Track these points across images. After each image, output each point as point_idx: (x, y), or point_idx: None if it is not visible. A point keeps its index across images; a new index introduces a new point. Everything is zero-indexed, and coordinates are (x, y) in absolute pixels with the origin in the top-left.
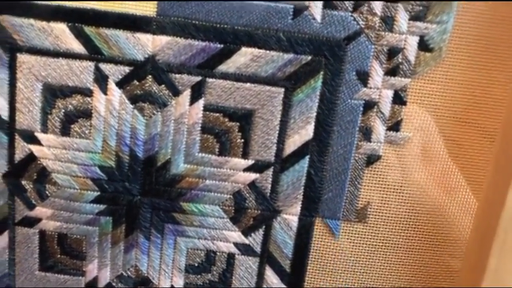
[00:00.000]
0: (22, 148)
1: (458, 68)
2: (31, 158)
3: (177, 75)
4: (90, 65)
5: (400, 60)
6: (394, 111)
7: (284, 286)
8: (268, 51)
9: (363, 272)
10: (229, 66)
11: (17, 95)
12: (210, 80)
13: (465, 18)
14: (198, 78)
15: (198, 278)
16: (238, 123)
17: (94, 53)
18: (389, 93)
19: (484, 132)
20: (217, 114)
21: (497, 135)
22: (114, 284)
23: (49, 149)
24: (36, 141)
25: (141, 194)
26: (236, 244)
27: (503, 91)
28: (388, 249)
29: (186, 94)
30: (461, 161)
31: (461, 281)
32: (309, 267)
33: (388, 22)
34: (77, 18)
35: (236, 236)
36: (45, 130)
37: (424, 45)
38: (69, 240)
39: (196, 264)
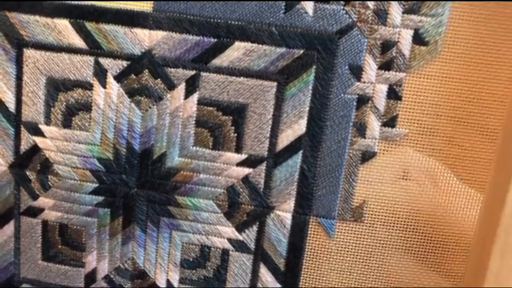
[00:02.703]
0: (27, 139)
1: (456, 62)
2: (35, 149)
3: (173, 69)
4: (90, 59)
5: (394, 54)
6: (389, 107)
7: (279, 285)
8: (260, 46)
9: (360, 273)
10: (222, 60)
11: (23, 89)
12: (204, 74)
13: (462, 10)
14: (193, 72)
15: (193, 273)
16: (231, 117)
17: (94, 48)
18: (383, 88)
19: (484, 130)
20: (211, 108)
21: (498, 133)
22: (112, 276)
23: (52, 140)
24: (40, 133)
25: (137, 187)
26: (230, 240)
27: (505, 87)
28: (386, 250)
29: (181, 88)
30: (461, 160)
31: (462, 283)
32: (304, 267)
33: (381, 15)
34: (78, 14)
35: (230, 231)
36: (48, 122)
37: (418, 39)
38: (70, 231)
39: (191, 259)
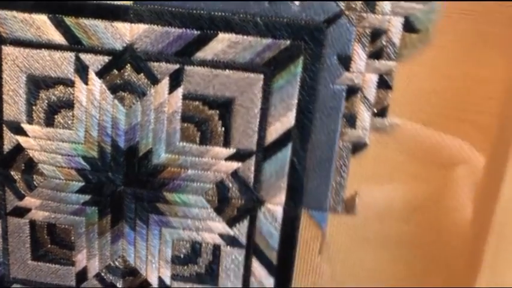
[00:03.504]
0: (10, 139)
1: (448, 50)
2: (19, 148)
3: (155, 64)
4: (71, 55)
5: (384, 42)
6: (380, 97)
7: (272, 279)
8: (245, 37)
9: (353, 265)
10: (206, 53)
11: (3, 87)
12: (188, 67)
13: None
14: (176, 66)
15: (185, 270)
16: (218, 111)
17: (74, 44)
18: (373, 78)
19: (478, 117)
20: (197, 103)
21: (492, 120)
22: (103, 274)
23: (35, 139)
24: (22, 132)
25: (124, 184)
26: (221, 235)
27: (498, 74)
28: (380, 242)
29: (165, 82)
30: (453, 150)
31: (457, 274)
32: (296, 260)
33: (370, 3)
34: (57, 9)
35: (221, 226)
36: (30, 121)
37: (409, 26)
38: (58, 230)
39: (182, 256)
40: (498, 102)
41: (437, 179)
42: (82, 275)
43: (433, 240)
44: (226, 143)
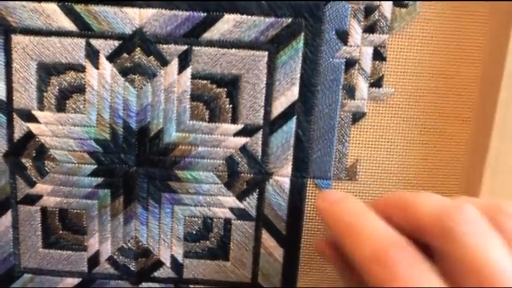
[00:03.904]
0: (20, 127)
1: (434, 21)
2: (29, 136)
3: (164, 46)
4: (81, 41)
5: (376, 17)
6: (375, 68)
7: (282, 249)
8: (250, 17)
9: None
10: (213, 33)
11: (13, 76)
12: (196, 48)
13: None
14: (185, 47)
15: (197, 246)
16: (225, 89)
17: (84, 30)
18: (369, 50)
19: (464, 83)
20: (205, 81)
21: (476, 84)
22: (115, 257)
23: (46, 125)
24: (33, 119)
25: (136, 165)
26: (232, 209)
27: (479, 42)
28: None
29: (174, 63)
30: (444, 113)
31: None
32: (304, 228)
33: None
34: None
35: (231, 201)
36: (41, 108)
37: (398, 1)
38: (70, 215)
39: (194, 232)
40: (480, 69)
41: (432, 142)
42: (94, 260)
43: None
44: (234, 119)
